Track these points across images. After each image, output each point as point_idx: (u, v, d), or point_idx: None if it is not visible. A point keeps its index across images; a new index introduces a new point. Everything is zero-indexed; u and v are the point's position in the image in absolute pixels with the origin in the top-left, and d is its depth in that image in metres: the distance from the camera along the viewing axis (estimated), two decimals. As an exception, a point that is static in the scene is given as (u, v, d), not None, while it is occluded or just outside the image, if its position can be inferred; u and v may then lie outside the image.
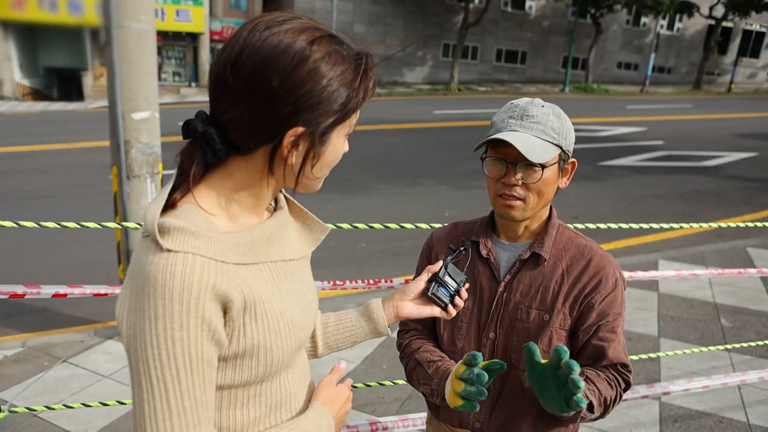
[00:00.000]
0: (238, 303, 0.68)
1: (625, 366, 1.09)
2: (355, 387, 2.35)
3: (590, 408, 1.01)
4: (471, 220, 1.23)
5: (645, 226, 2.43)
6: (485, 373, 0.92)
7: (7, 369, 2.99)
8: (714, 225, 2.58)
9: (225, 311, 0.68)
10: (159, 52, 21.89)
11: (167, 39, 21.73)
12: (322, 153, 0.73)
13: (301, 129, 0.69)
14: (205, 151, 0.71)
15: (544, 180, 1.03)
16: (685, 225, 2.47)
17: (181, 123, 0.72)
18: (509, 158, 1.03)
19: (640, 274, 2.27)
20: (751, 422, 2.65)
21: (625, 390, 1.09)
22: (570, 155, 1.09)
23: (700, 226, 2.50)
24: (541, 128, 1.03)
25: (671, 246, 5.35)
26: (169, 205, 0.71)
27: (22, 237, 5.10)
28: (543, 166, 1.02)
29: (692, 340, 3.46)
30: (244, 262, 0.71)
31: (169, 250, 0.65)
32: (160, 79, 21.51)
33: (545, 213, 1.14)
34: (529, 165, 1.02)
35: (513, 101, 1.10)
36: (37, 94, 21.11)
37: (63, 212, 6.01)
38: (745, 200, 7.27)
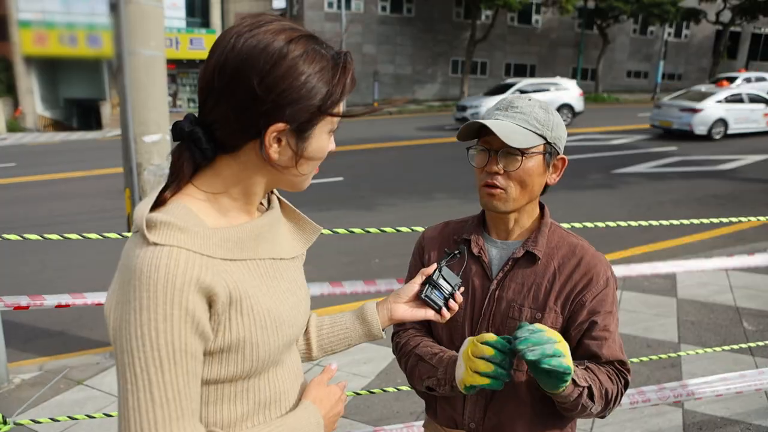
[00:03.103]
0: (223, 297, 0.69)
1: (623, 363, 1.07)
2: (358, 393, 2.32)
3: (590, 395, 0.99)
4: (462, 219, 1.23)
5: (655, 223, 2.41)
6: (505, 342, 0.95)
7: (24, 392, 3.02)
8: (725, 220, 2.52)
9: (210, 305, 0.69)
10: (174, 80, 22.49)
11: (182, 67, 22.30)
12: (305, 149, 0.75)
13: (282, 125, 0.71)
14: (192, 150, 0.73)
15: (524, 169, 1.03)
16: (697, 220, 2.43)
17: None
18: (492, 147, 1.05)
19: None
20: (780, 429, 2.55)
21: (625, 387, 1.07)
22: (559, 151, 1.09)
23: (711, 222, 2.46)
24: (524, 118, 1.05)
25: (690, 251, 5.23)
26: (160, 203, 0.73)
27: (46, 258, 5.21)
28: (523, 153, 1.03)
29: (714, 346, 3.36)
30: (230, 257, 0.73)
31: (155, 244, 0.66)
32: (175, 105, 22.08)
33: (535, 210, 1.13)
34: (510, 153, 1.03)
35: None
36: (57, 125, 21.76)
37: (81, 237, 6.13)
38: (766, 202, 7.11)
